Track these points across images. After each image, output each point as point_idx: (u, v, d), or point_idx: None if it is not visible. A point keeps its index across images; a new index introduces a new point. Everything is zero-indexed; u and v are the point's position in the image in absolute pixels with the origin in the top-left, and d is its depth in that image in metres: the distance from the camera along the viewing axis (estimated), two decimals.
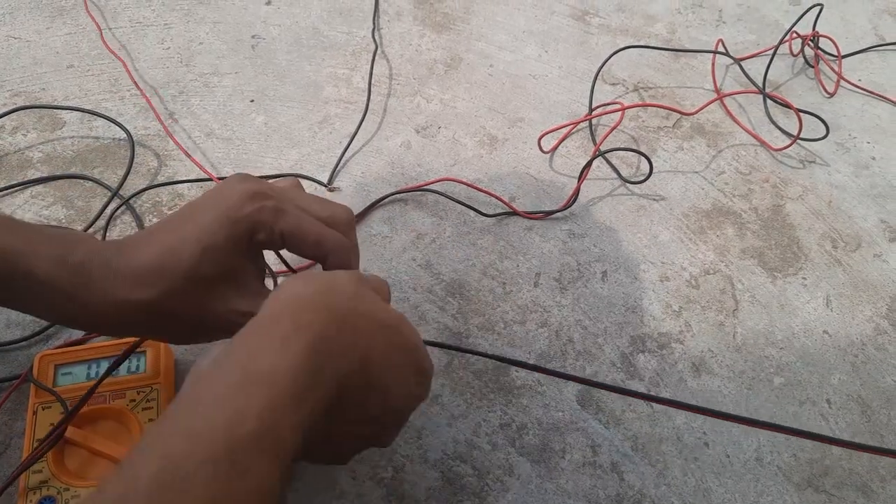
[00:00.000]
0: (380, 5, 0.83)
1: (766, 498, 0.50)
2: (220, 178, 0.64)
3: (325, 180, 0.65)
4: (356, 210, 0.63)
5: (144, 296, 0.38)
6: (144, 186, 0.63)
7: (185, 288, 0.38)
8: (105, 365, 0.49)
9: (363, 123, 0.70)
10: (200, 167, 0.64)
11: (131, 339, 0.50)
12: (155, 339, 0.44)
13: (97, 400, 0.48)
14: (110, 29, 0.78)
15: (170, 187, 0.63)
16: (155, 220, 0.61)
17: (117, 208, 0.61)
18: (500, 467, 0.50)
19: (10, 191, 0.62)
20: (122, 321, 0.39)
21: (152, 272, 0.38)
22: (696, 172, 0.69)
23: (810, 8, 0.81)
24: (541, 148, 0.69)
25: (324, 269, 0.42)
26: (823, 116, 0.72)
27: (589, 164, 0.63)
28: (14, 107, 0.68)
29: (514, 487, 0.50)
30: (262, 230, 0.40)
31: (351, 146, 0.68)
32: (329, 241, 0.41)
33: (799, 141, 0.71)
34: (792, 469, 0.51)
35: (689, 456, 0.52)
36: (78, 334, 0.54)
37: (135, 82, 0.72)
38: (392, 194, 0.64)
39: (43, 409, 0.47)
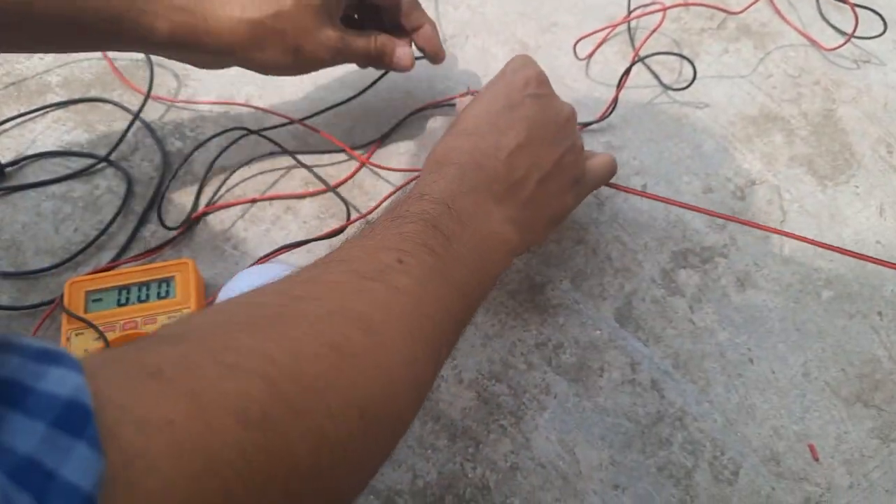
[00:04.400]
0: None
1: (812, 413, 0.49)
2: (242, 103, 0.62)
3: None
4: (382, 129, 0.60)
5: (256, 14, 0.48)
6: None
7: (291, 11, 0.48)
8: (135, 291, 0.49)
9: None
10: None
11: (161, 266, 0.50)
12: (253, 66, 0.52)
13: (129, 325, 0.47)
14: None
15: (191, 107, 0.62)
16: (177, 142, 0.60)
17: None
18: (537, 386, 0.50)
19: (30, 116, 0.61)
20: (234, 38, 0.48)
21: None
22: (743, 77, 0.65)
23: None
24: (576, 55, 0.65)
25: (401, 13, 0.54)
26: (880, 11, 0.66)
27: (628, 71, 0.59)
28: None
29: (551, 406, 0.49)
30: None
31: None
32: None
33: (853, 39, 0.66)
34: (840, 384, 0.50)
35: (732, 372, 0.50)
36: (106, 260, 0.53)
37: None
38: (419, 110, 0.62)
39: (76, 335, 0.47)
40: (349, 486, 0.31)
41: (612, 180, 0.53)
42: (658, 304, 0.53)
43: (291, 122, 0.60)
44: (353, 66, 0.56)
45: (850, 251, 0.48)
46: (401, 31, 0.56)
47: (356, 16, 0.57)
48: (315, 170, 0.58)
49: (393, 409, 0.32)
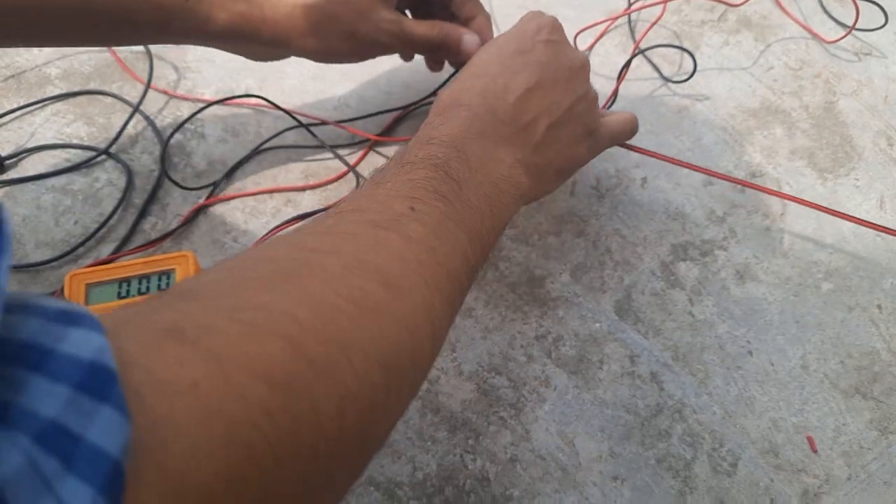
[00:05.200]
0: None
1: (811, 405, 0.49)
2: (250, 95, 0.62)
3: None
4: (383, 124, 0.60)
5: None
6: (196, 110, 0.61)
7: None
8: (135, 283, 0.49)
9: None
10: None
11: (160, 259, 0.50)
12: (310, 54, 0.52)
13: None
14: None
15: (191, 99, 0.62)
16: (177, 134, 0.59)
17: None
18: (537, 379, 0.50)
19: (30, 108, 0.61)
20: (291, 24, 0.48)
21: None
22: (743, 69, 0.65)
23: None
24: (576, 47, 0.65)
25: (454, 1, 0.53)
26: (881, 3, 0.66)
27: (628, 64, 0.59)
28: None
29: (550, 398, 0.49)
30: None
31: None
32: None
33: (854, 31, 0.66)
34: (839, 376, 0.50)
35: (731, 365, 0.50)
36: (106, 252, 0.53)
37: None
38: (420, 105, 0.61)
39: None
40: (374, 439, 0.31)
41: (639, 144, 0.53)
42: (658, 296, 0.53)
43: (300, 124, 0.60)
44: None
45: (862, 220, 0.48)
46: (452, 21, 0.54)
47: (407, 12, 0.56)
48: (315, 163, 0.58)
49: (413, 360, 0.32)
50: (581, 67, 0.47)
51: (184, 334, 0.24)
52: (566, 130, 0.46)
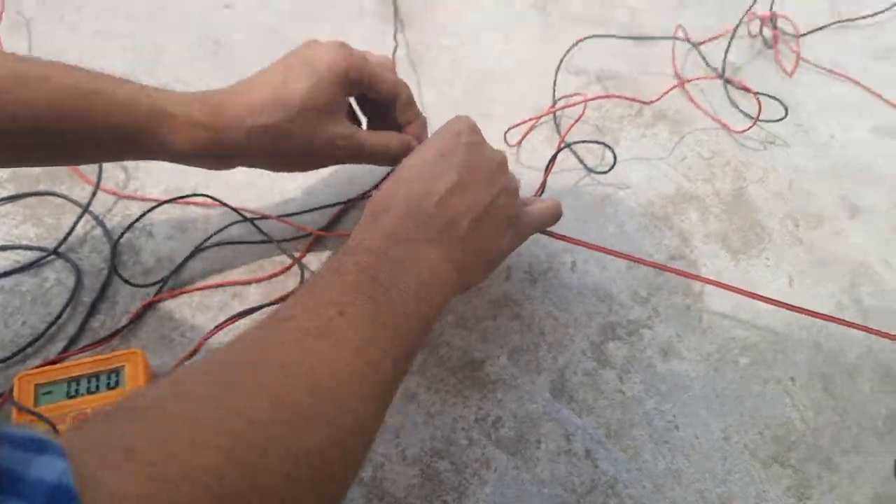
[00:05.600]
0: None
1: (734, 475, 0.52)
2: (199, 194, 0.64)
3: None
4: (328, 216, 0.63)
5: (268, 121, 0.50)
6: (144, 211, 0.63)
7: (298, 114, 0.51)
8: (84, 382, 0.50)
9: None
10: None
11: (109, 357, 0.51)
12: (266, 167, 0.55)
13: (78, 417, 0.48)
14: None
15: (140, 198, 0.64)
16: (126, 233, 0.61)
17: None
18: (478, 461, 0.52)
19: None
20: (250, 145, 0.51)
21: (272, 103, 0.51)
22: (660, 159, 0.71)
23: None
24: (506, 142, 0.70)
25: (397, 109, 0.56)
26: (783, 97, 0.73)
27: (554, 157, 0.64)
28: None
29: (491, 480, 0.51)
30: (355, 70, 0.53)
31: None
32: (401, 84, 0.56)
33: (759, 123, 0.72)
34: (758, 446, 0.53)
35: (659, 439, 0.53)
36: (55, 352, 0.54)
37: None
38: (363, 198, 0.65)
39: None
40: None
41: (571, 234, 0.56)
42: (590, 375, 0.56)
43: (245, 219, 0.62)
44: None
45: (771, 299, 0.52)
46: (393, 126, 0.57)
47: (362, 112, 0.59)
48: (261, 257, 0.61)
49: (343, 459, 0.35)
50: (498, 165, 0.51)
51: (135, 453, 0.27)
52: (489, 224, 0.49)
